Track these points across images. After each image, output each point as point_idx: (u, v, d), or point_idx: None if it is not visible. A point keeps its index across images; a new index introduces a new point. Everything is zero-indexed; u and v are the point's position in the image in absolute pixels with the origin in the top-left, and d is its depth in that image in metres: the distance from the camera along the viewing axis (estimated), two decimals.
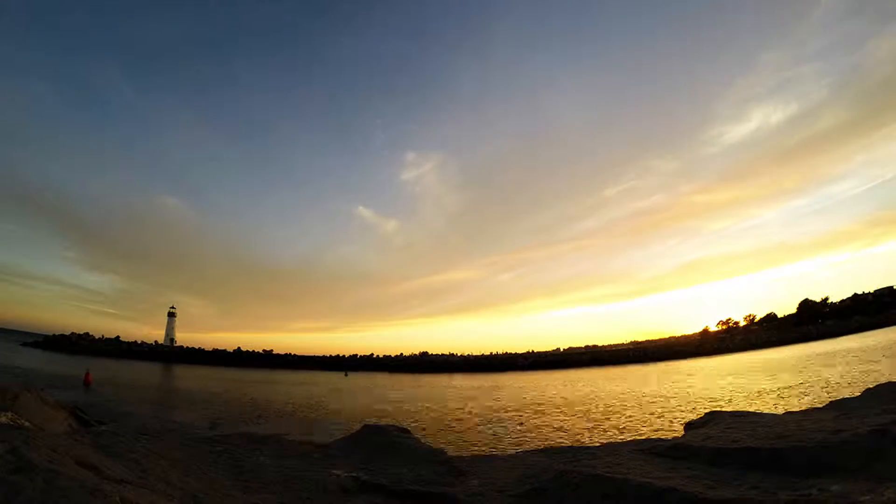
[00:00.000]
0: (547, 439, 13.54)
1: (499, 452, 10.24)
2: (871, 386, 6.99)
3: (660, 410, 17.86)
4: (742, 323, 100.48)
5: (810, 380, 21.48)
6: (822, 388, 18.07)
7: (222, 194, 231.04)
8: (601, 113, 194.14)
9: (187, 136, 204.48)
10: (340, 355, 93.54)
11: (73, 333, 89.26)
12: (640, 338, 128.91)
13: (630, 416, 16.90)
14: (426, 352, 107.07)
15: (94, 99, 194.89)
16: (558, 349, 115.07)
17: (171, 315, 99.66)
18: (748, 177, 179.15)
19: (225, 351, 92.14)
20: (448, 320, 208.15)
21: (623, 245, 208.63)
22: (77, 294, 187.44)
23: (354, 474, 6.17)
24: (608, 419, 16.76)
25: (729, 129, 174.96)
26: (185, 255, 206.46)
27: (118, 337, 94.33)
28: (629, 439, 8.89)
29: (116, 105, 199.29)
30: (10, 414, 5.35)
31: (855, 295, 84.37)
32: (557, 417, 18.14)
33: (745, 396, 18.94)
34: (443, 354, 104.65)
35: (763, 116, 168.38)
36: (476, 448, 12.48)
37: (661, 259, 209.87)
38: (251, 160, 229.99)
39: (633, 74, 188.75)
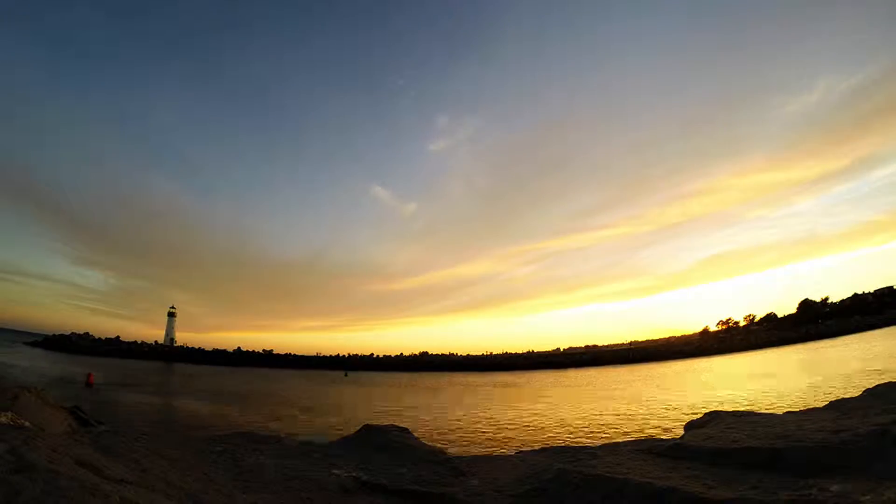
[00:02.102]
0: (547, 439, 13.53)
1: (499, 452, 10.23)
2: (870, 386, 6.99)
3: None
4: (742, 323, 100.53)
5: (810, 380, 21.47)
6: (822, 387, 18.05)
7: (219, 171, 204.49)
8: (654, 82, 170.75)
9: (179, 94, 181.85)
10: (340, 355, 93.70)
11: (73, 333, 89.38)
12: (652, 336, 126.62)
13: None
14: (426, 351, 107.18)
15: (69, 44, 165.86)
16: (558, 349, 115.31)
17: (171, 315, 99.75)
18: (799, 156, 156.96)
19: (225, 351, 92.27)
20: (459, 319, 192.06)
21: (652, 236, 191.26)
22: (72, 291, 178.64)
23: (354, 474, 6.16)
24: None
25: (789, 101, 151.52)
26: (182, 248, 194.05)
27: (118, 337, 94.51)
28: (629, 439, 8.88)
29: (97, 55, 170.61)
30: (10, 414, 5.34)
31: (855, 295, 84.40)
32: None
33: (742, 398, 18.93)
34: (442, 354, 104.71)
35: (826, 86, 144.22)
36: (476, 448, 12.47)
37: (686, 252, 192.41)
38: (252, 127, 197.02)
39: (693, 36, 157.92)
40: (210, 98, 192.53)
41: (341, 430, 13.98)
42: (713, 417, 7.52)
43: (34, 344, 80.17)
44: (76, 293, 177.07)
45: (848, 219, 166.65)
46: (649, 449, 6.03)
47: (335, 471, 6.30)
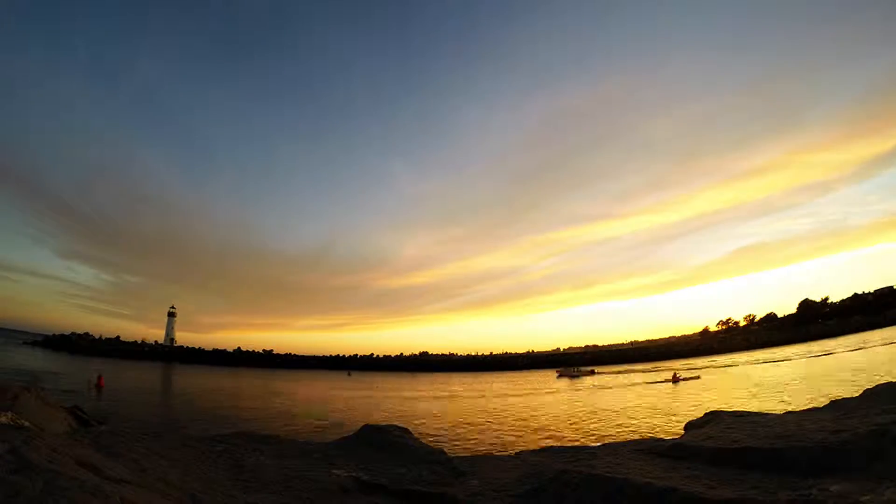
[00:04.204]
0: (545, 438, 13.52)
1: (499, 452, 10.23)
2: (870, 386, 6.99)
3: None
4: (742, 323, 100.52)
5: (809, 380, 21.46)
6: (822, 388, 18.04)
7: (220, 144, 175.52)
8: (715, 49, 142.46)
9: (167, 43, 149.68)
10: (341, 355, 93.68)
11: (73, 333, 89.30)
12: (653, 336, 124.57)
13: None
14: (426, 351, 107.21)
15: None
16: (558, 349, 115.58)
17: (171, 315, 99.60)
18: (862, 134, 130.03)
19: (225, 351, 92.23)
20: (468, 317, 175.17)
21: (684, 225, 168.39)
22: (63, 288, 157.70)
23: (354, 474, 6.16)
24: None
25: (857, 71, 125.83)
26: (180, 240, 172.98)
27: (118, 337, 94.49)
28: (629, 439, 8.88)
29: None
30: (10, 414, 5.34)
31: (855, 295, 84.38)
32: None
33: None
34: (442, 354, 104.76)
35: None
36: (476, 448, 12.47)
37: (718, 243, 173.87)
38: (256, 86, 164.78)
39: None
40: (205, 48, 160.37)
41: (341, 430, 13.98)
42: (713, 417, 7.53)
43: (34, 344, 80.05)
44: (69, 290, 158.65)
45: (878, 209, 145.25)
46: (649, 449, 6.03)
47: (335, 471, 6.30)
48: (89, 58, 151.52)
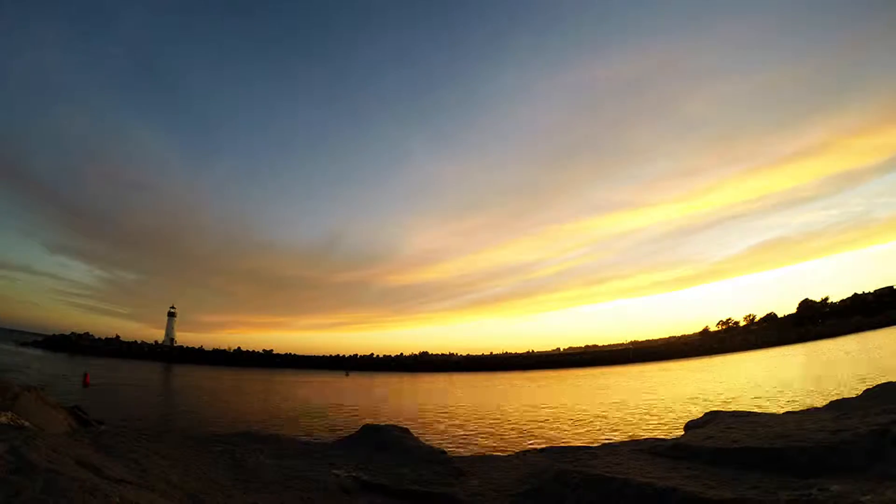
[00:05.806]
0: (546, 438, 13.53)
1: (499, 452, 10.23)
2: (870, 386, 7.00)
3: None
4: (742, 323, 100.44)
5: (809, 380, 21.47)
6: (822, 388, 18.05)
7: (219, 119, 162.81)
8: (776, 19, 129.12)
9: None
10: (341, 355, 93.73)
11: (73, 333, 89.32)
12: (653, 336, 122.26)
13: None
14: (426, 351, 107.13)
15: None
16: (558, 349, 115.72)
17: (171, 315, 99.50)
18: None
19: (225, 351, 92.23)
20: (475, 316, 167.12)
21: (713, 215, 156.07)
22: (57, 285, 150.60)
23: (355, 474, 6.17)
24: None
25: None
26: (177, 234, 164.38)
27: (118, 336, 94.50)
28: (629, 439, 8.89)
29: None
30: (10, 414, 5.35)
31: (855, 295, 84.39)
32: None
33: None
34: (442, 354, 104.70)
35: None
36: (476, 448, 12.47)
37: (739, 236, 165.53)
38: (259, 53, 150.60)
39: None
40: (204, 13, 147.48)
41: (341, 430, 13.98)
42: (713, 417, 7.53)
43: (34, 344, 79.96)
44: (64, 287, 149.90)
45: None
46: (649, 449, 6.04)
47: (335, 471, 6.30)
48: (73, 25, 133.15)
